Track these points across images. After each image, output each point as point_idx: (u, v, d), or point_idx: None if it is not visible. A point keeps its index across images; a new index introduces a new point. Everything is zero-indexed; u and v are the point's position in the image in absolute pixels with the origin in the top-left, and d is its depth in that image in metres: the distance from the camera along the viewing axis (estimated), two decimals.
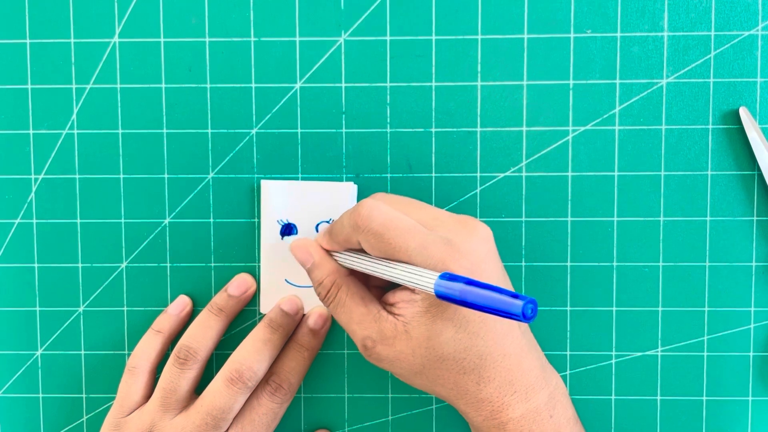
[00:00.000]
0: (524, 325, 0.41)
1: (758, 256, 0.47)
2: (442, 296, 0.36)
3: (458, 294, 0.36)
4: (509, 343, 0.40)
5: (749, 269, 0.47)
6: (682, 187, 0.46)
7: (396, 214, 0.40)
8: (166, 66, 0.47)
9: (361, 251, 0.42)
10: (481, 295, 0.35)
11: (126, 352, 0.48)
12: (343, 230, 0.41)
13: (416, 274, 0.38)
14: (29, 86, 0.47)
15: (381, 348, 0.40)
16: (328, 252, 0.43)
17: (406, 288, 0.40)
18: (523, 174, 0.47)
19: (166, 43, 0.46)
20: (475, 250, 0.39)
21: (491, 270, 0.40)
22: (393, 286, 0.43)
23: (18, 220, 0.47)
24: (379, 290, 0.45)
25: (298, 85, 0.47)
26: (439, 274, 0.37)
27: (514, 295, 0.34)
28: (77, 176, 0.47)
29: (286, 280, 0.47)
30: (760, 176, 0.46)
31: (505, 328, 0.40)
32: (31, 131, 0.47)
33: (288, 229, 0.46)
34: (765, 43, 0.46)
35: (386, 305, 0.41)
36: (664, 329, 0.47)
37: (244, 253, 0.47)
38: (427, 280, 0.37)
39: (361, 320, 0.41)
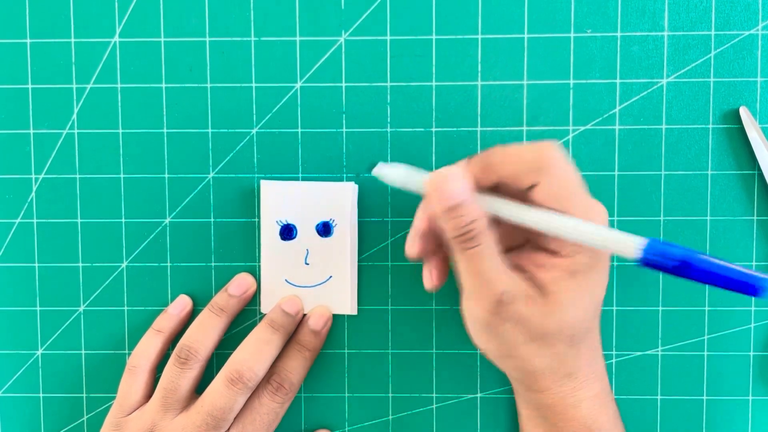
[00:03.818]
0: None
1: (758, 256, 0.47)
2: (650, 263, 0.35)
3: (680, 259, 0.34)
4: (598, 323, 0.42)
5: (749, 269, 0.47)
6: (682, 187, 0.46)
7: (578, 174, 0.38)
8: (166, 66, 0.47)
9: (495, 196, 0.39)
10: (716, 265, 0.34)
11: (126, 351, 0.48)
12: (516, 160, 0.37)
13: (615, 236, 0.36)
14: (29, 86, 0.47)
15: (515, 308, 0.38)
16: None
17: (540, 251, 0.39)
18: None
19: (167, 43, 0.47)
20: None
21: None
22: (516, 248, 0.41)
23: (18, 220, 0.48)
24: None
25: (298, 85, 0.47)
26: (642, 240, 0.36)
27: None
28: (77, 176, 0.47)
29: (286, 280, 0.47)
30: (760, 176, 0.46)
31: (599, 310, 0.41)
32: (31, 131, 0.47)
33: (287, 230, 0.46)
34: (765, 42, 0.46)
35: (522, 272, 0.40)
36: (665, 329, 0.47)
37: (245, 252, 0.47)
38: (627, 245, 0.36)
39: (497, 275, 0.38)
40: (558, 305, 0.39)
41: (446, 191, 0.37)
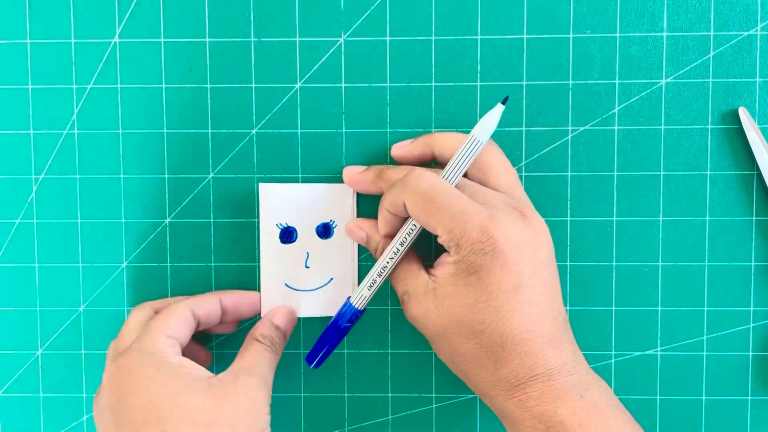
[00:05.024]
0: (562, 321, 0.41)
1: (757, 256, 0.47)
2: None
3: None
4: (537, 330, 0.40)
5: (748, 269, 0.47)
6: (681, 187, 0.47)
7: (443, 181, 0.41)
8: (166, 66, 0.47)
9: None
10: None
11: None
12: (392, 191, 0.42)
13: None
14: (30, 86, 0.47)
15: (413, 304, 0.42)
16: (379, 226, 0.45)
17: (446, 252, 0.42)
18: (523, 174, 0.47)
19: (166, 43, 0.47)
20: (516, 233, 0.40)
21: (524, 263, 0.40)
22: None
23: (18, 220, 0.48)
24: None
25: (298, 85, 0.47)
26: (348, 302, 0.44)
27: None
28: (77, 176, 0.47)
29: (285, 284, 0.47)
30: (759, 176, 0.46)
31: (533, 317, 0.40)
32: (31, 131, 0.47)
33: (288, 233, 0.46)
34: (764, 43, 0.46)
35: (431, 268, 0.43)
36: (664, 329, 0.47)
37: (244, 253, 0.47)
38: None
39: (403, 278, 0.43)
40: (444, 299, 0.41)
41: (354, 239, 0.47)
